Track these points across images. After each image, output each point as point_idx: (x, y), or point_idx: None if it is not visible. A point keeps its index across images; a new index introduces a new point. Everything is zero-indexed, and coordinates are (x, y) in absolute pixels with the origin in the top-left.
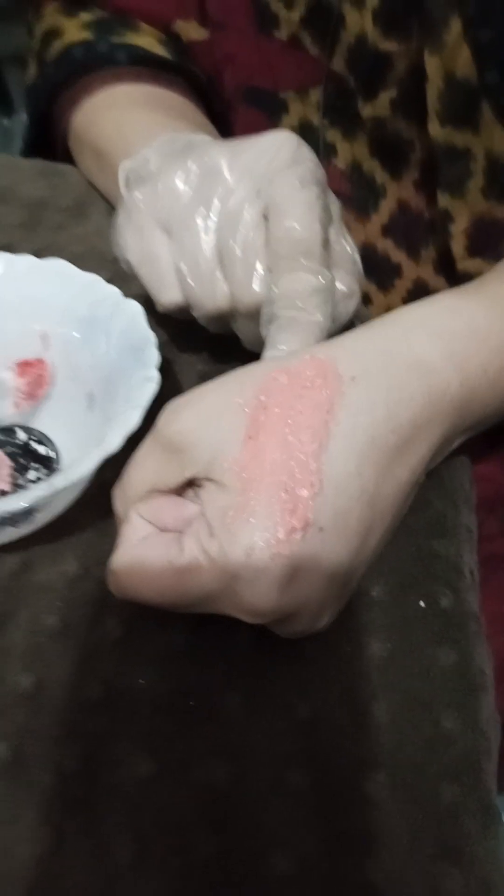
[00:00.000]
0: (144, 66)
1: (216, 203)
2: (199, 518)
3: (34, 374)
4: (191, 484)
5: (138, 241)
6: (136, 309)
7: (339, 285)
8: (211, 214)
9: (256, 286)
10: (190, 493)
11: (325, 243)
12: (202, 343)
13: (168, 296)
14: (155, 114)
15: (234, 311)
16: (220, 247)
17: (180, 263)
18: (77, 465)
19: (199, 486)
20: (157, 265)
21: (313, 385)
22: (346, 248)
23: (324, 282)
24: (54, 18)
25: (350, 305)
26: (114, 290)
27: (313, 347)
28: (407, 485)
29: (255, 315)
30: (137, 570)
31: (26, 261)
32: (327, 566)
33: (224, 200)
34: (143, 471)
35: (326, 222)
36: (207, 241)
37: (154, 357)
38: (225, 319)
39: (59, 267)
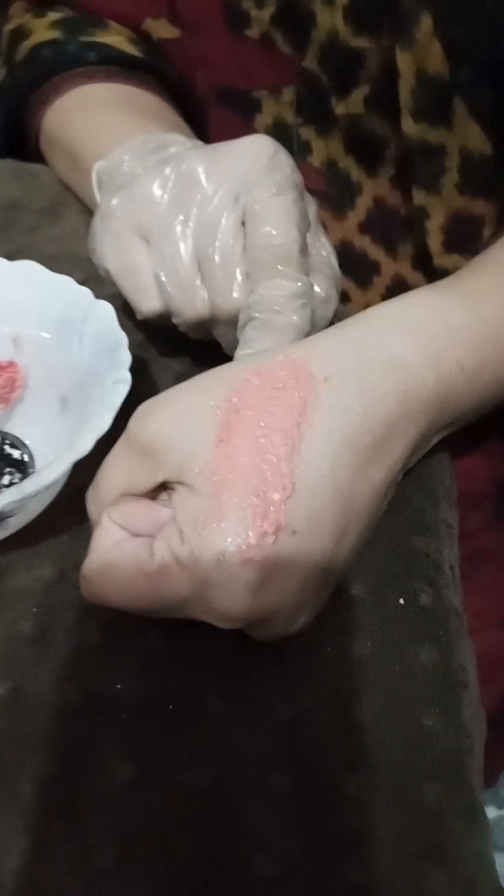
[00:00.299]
0: (115, 66)
1: (194, 210)
2: (170, 523)
3: (6, 377)
4: (164, 487)
5: (116, 249)
6: (108, 311)
7: (317, 290)
8: (189, 222)
9: (236, 293)
10: (163, 496)
11: (303, 249)
12: (178, 344)
13: (148, 304)
14: (128, 114)
15: (215, 318)
16: (198, 254)
17: (159, 272)
18: (48, 469)
19: (171, 489)
20: (136, 274)
21: (286, 386)
22: (324, 252)
23: (301, 287)
24: (21, 18)
25: (328, 310)
26: (86, 292)
27: (286, 348)
28: (383, 484)
29: (234, 321)
30: (108, 575)
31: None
32: (301, 569)
33: (202, 208)
34: (115, 474)
35: (304, 228)
36: (186, 249)
37: (126, 359)
38: (205, 326)
39: (30, 268)
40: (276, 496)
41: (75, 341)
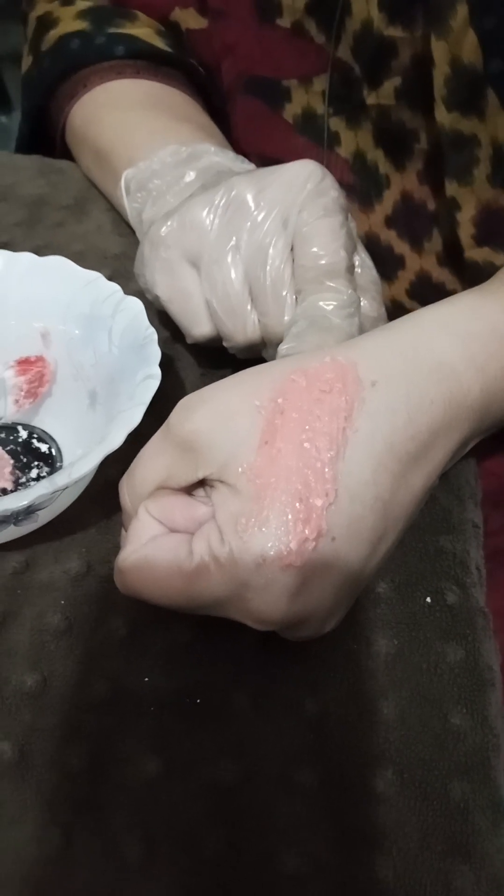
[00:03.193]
0: (143, 60)
1: (244, 236)
2: (210, 521)
3: (34, 372)
4: (202, 483)
5: (167, 276)
6: (137, 306)
7: (366, 308)
8: (239, 248)
9: (287, 316)
10: (200, 492)
11: (350, 268)
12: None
13: (200, 329)
14: (157, 116)
15: (266, 342)
16: (249, 280)
17: (211, 298)
18: (80, 463)
19: (210, 486)
20: (187, 300)
21: (332, 389)
22: (370, 272)
23: (349, 298)
24: (48, 4)
25: (377, 324)
26: (115, 288)
27: (333, 349)
28: (422, 491)
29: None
30: (145, 570)
31: (26, 258)
32: (337, 575)
33: (252, 233)
34: (153, 467)
35: (351, 248)
36: (237, 275)
37: (156, 354)
38: (255, 349)
39: (59, 264)
40: (319, 502)
41: (104, 336)
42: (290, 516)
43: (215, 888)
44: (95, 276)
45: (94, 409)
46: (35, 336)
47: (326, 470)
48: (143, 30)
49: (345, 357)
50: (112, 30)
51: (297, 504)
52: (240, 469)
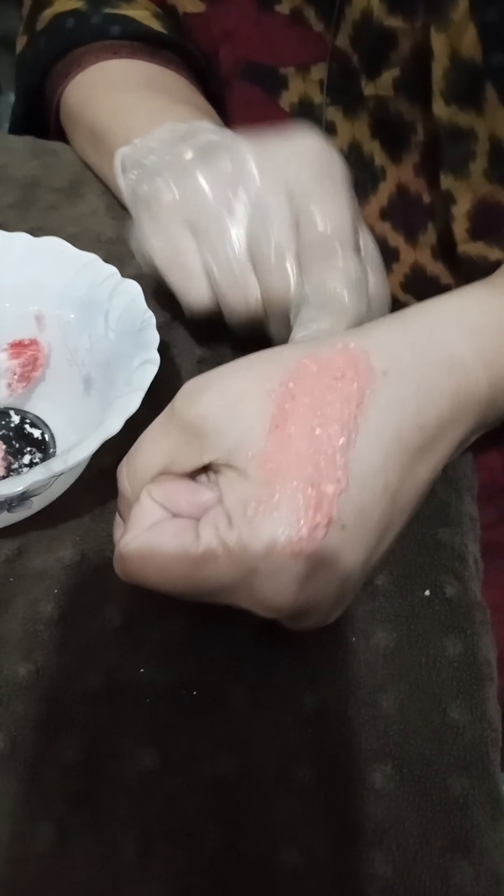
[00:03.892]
0: (140, 41)
1: (247, 205)
2: (216, 506)
3: (28, 356)
4: (205, 468)
5: (165, 242)
6: (135, 289)
7: (372, 282)
8: (240, 213)
9: (289, 285)
10: (203, 477)
11: (357, 244)
12: (200, 327)
13: (199, 300)
14: (154, 97)
15: (268, 313)
16: (251, 247)
17: (211, 265)
18: (76, 449)
19: (216, 471)
20: (185, 267)
21: (344, 376)
22: (374, 251)
23: (356, 275)
24: None
25: (383, 304)
26: (112, 270)
27: (344, 335)
28: (427, 483)
29: (287, 318)
30: (149, 555)
31: (22, 239)
32: (345, 564)
33: (254, 200)
34: (155, 451)
35: (357, 224)
36: (238, 242)
37: (154, 339)
38: (257, 322)
39: (55, 246)
40: (331, 489)
41: (101, 320)
42: (301, 502)
43: (213, 884)
44: (92, 259)
45: (88, 394)
46: (29, 319)
47: (338, 457)
48: (140, 12)
49: (356, 345)
50: (108, 9)
51: (309, 490)
52: (249, 454)
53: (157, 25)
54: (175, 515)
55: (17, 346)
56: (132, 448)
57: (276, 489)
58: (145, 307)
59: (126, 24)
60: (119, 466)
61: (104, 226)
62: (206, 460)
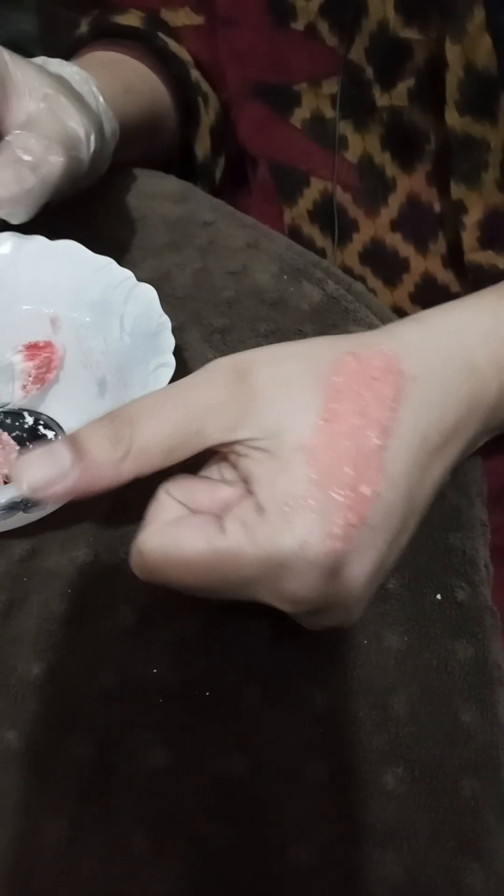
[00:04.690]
0: (106, 38)
1: None
2: (244, 499)
3: (43, 358)
4: (212, 453)
5: None
6: (150, 294)
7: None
8: None
9: None
10: (213, 468)
11: None
12: (211, 331)
13: None
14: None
15: None
16: None
17: None
18: None
19: (240, 454)
20: None
21: (383, 378)
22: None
23: None
24: None
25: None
26: (127, 274)
27: (379, 337)
28: (439, 484)
29: None
30: (171, 550)
31: (37, 242)
32: (370, 562)
33: None
34: (196, 403)
35: None
36: None
37: (170, 342)
38: None
39: (71, 249)
40: (367, 491)
41: (115, 324)
42: (340, 502)
43: (222, 882)
44: (107, 262)
45: (102, 397)
46: (44, 321)
47: (375, 458)
48: (128, 16)
49: (390, 349)
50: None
51: (349, 491)
52: (297, 443)
53: (135, 23)
54: (196, 512)
55: (33, 349)
56: (149, 398)
57: (319, 490)
58: (160, 311)
59: (100, 26)
60: (123, 411)
61: (118, 230)
62: (240, 436)
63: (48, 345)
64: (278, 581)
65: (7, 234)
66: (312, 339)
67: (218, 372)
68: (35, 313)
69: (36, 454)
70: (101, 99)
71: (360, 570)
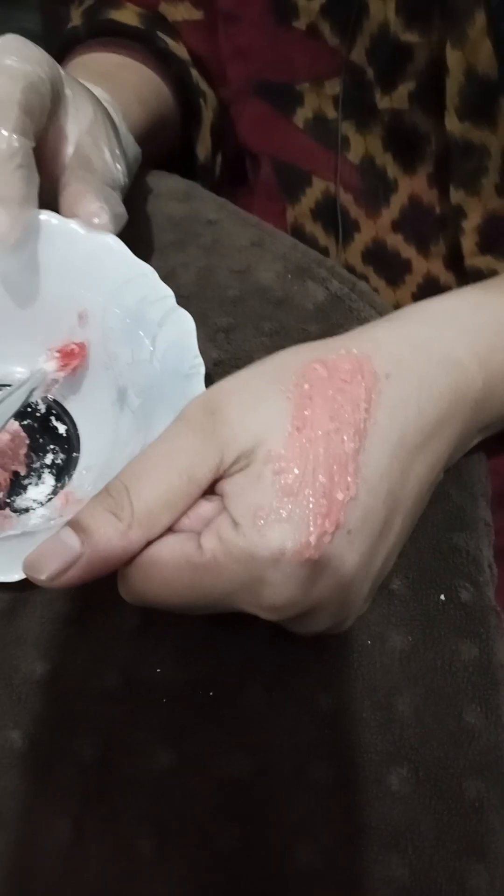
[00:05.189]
0: (103, 37)
1: None
2: (220, 515)
3: (73, 365)
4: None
5: None
6: (188, 324)
7: None
8: None
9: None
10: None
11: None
12: (216, 329)
13: None
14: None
15: None
16: None
17: None
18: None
19: (221, 478)
20: None
21: (353, 380)
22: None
23: None
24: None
25: None
26: (167, 292)
27: (343, 339)
28: (426, 483)
29: None
30: (152, 570)
31: (78, 229)
32: (348, 567)
33: None
34: (175, 460)
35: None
36: None
37: (200, 389)
38: None
39: (112, 245)
40: (341, 496)
41: (147, 343)
42: (312, 510)
43: (227, 882)
44: (148, 271)
45: (120, 407)
46: (72, 314)
47: (350, 463)
48: (125, 13)
49: (359, 349)
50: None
51: (322, 499)
52: (270, 454)
53: (133, 22)
54: (176, 530)
55: (68, 356)
56: (136, 462)
57: (290, 499)
58: (196, 351)
59: (98, 25)
60: (116, 481)
61: (123, 228)
62: (226, 465)
63: (82, 349)
64: (256, 592)
65: (47, 214)
66: (277, 354)
67: (191, 417)
68: (65, 306)
69: (46, 546)
70: (124, 127)
71: (338, 576)
